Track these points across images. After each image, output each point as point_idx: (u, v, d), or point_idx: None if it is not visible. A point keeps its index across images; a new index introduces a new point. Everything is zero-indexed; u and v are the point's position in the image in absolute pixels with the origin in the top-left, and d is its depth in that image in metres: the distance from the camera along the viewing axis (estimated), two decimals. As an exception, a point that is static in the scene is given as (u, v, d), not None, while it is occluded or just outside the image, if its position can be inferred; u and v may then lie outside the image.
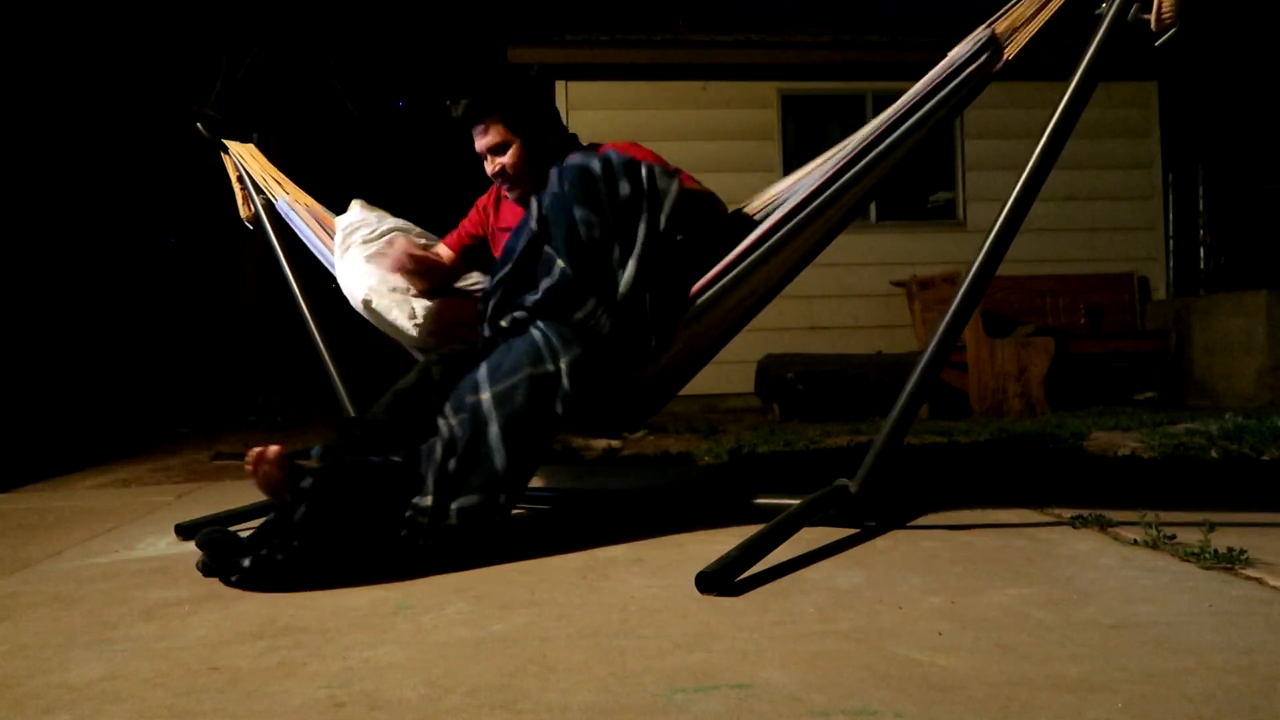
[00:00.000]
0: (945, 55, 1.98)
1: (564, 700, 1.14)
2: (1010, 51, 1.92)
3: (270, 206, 2.99)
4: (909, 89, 2.00)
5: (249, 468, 1.97)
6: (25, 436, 5.40)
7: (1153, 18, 1.76)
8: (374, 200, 2.85)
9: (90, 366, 7.93)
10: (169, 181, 9.16)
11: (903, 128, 1.98)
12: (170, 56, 8.11)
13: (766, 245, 2.06)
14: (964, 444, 3.93)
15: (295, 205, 2.92)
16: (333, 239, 2.68)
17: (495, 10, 8.87)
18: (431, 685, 1.21)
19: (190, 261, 9.99)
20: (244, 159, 3.07)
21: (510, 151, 2.32)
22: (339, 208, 3.16)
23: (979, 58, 1.92)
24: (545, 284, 2.03)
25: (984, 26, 1.94)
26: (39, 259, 7.45)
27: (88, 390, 7.61)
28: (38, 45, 7.50)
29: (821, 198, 2.03)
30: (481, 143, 2.34)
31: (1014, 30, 1.92)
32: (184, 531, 2.32)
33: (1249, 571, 1.64)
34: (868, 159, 2.00)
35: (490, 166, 2.36)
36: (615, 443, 4.48)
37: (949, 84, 1.95)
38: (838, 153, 2.12)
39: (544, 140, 2.36)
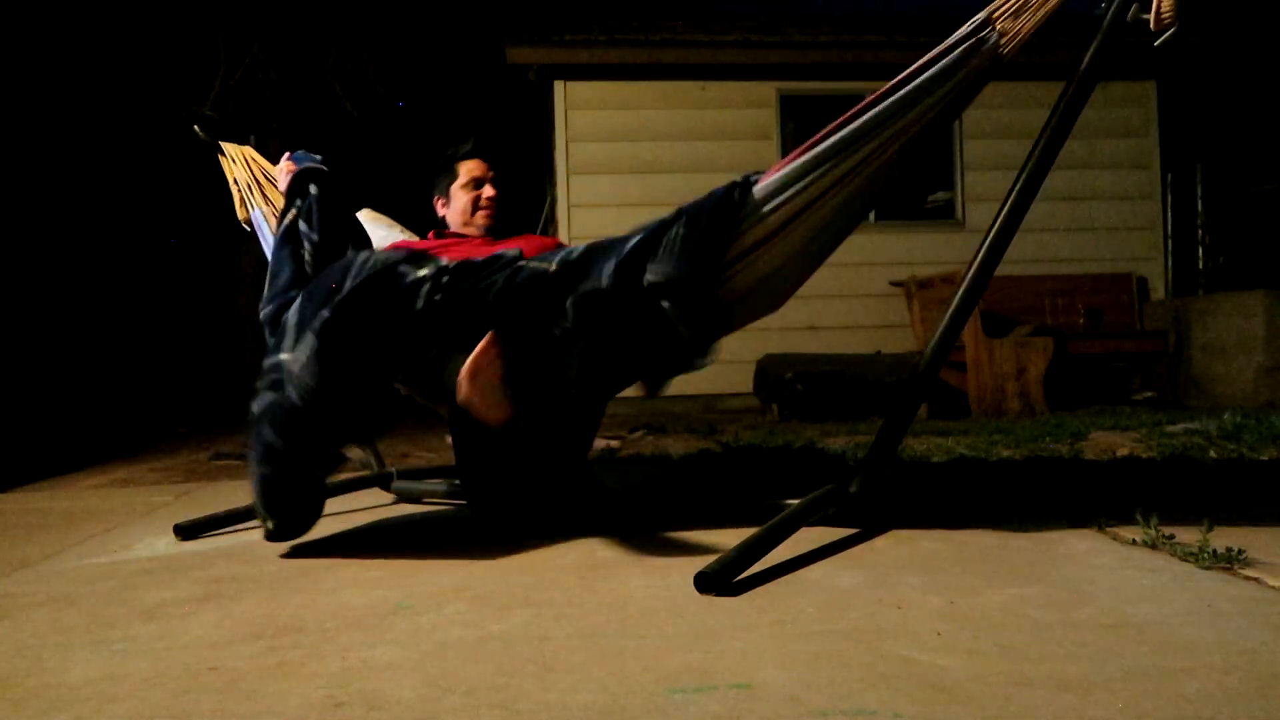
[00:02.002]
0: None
1: (563, 700, 1.14)
2: (1006, 39, 1.87)
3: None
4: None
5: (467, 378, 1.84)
6: (24, 436, 5.40)
7: (1152, 17, 1.75)
8: (374, 201, 2.86)
9: (89, 367, 7.93)
10: (169, 181, 9.16)
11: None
12: (169, 56, 8.11)
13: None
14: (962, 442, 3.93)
15: (270, 218, 2.93)
16: None
17: (493, 10, 8.87)
18: (430, 685, 1.21)
19: (189, 262, 9.99)
20: (239, 161, 3.07)
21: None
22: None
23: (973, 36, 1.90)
24: None
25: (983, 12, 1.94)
26: (39, 259, 7.45)
27: (86, 390, 7.61)
28: (38, 45, 7.49)
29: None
30: (488, 172, 2.67)
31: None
32: (183, 531, 2.32)
33: (1248, 571, 1.64)
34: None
35: (489, 191, 2.64)
36: (614, 443, 4.48)
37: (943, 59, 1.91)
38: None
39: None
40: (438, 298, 1.93)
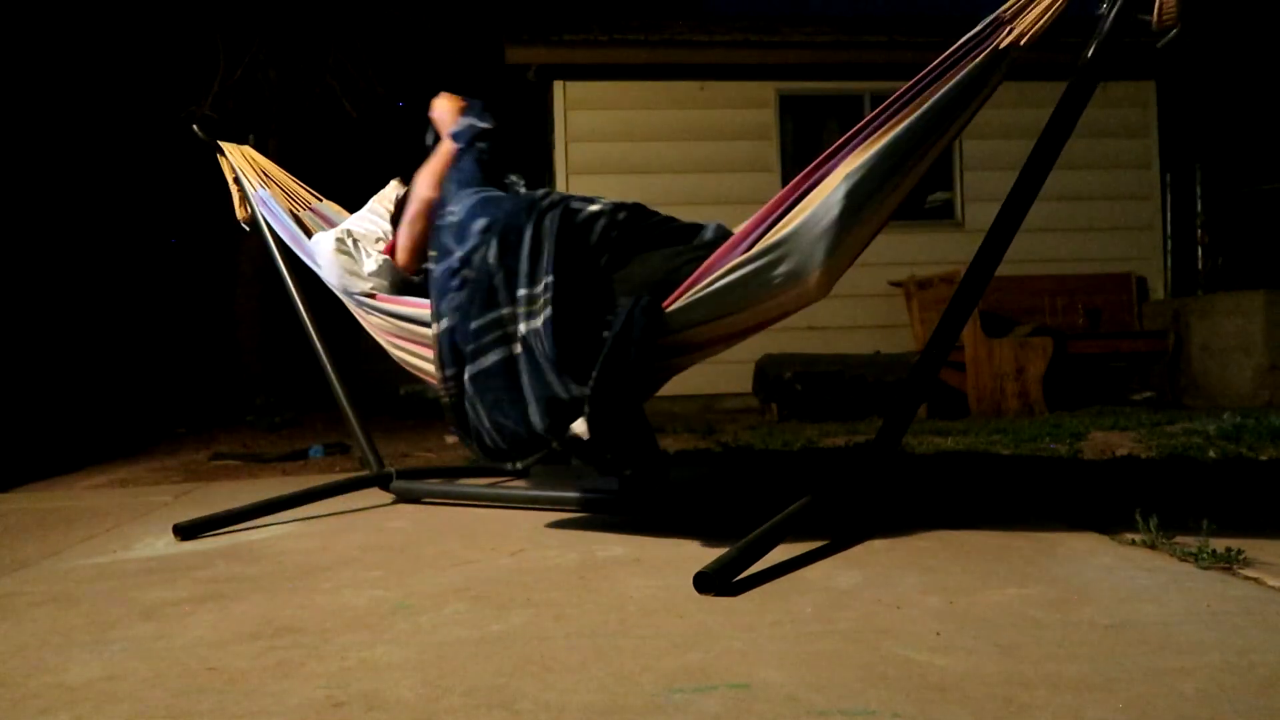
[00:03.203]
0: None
1: (562, 700, 1.14)
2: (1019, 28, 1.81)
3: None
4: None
5: None
6: (24, 436, 5.40)
7: (1154, 18, 1.75)
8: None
9: (89, 366, 7.93)
10: (169, 181, 9.16)
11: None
12: (169, 56, 8.11)
13: None
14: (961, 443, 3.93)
15: (277, 197, 2.95)
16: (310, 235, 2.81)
17: (493, 10, 8.87)
18: (429, 685, 1.21)
19: (189, 262, 10.00)
20: (239, 160, 3.09)
21: None
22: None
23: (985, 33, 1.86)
24: None
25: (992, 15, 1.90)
26: (39, 259, 7.45)
27: (86, 390, 7.61)
28: (38, 45, 7.49)
29: None
30: None
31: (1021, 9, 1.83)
32: (182, 531, 2.32)
33: (1247, 571, 1.64)
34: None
35: None
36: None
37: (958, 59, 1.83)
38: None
39: None
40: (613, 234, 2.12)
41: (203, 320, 9.50)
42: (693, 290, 1.89)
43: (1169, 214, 7.54)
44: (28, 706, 1.19)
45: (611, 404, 1.87)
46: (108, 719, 1.14)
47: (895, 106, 1.82)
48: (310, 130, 8.72)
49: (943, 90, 1.81)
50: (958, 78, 1.82)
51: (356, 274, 2.54)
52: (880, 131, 1.81)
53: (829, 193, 1.77)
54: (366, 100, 8.63)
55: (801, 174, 1.87)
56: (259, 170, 3.06)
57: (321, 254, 2.64)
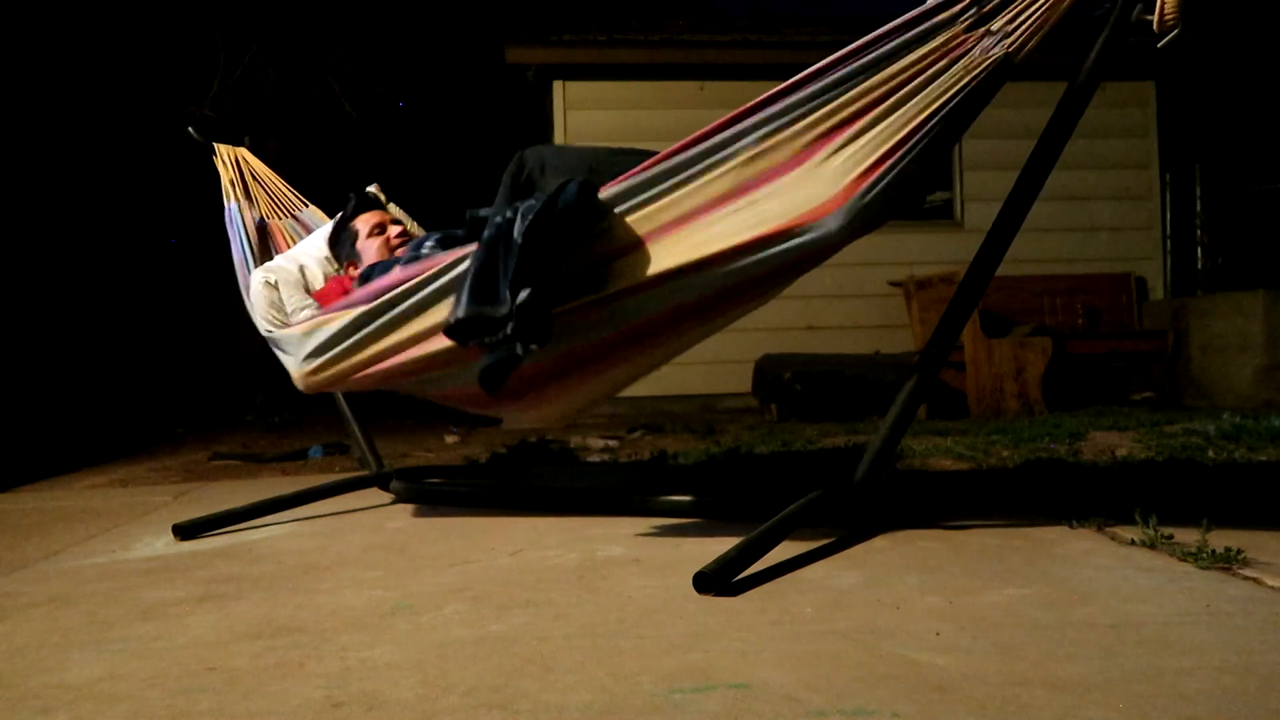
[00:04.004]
0: None
1: (561, 700, 1.14)
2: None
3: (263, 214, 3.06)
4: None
5: None
6: (23, 436, 5.40)
7: (1155, 19, 1.75)
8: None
9: (88, 367, 7.93)
10: (169, 181, 9.16)
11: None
12: (168, 56, 8.11)
13: None
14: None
15: (245, 214, 3.00)
16: (266, 257, 2.91)
17: (493, 10, 8.87)
18: (429, 685, 1.21)
19: (189, 262, 10.00)
20: (230, 162, 3.10)
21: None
22: (337, 209, 3.17)
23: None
24: None
25: None
26: (39, 259, 7.45)
27: (86, 390, 7.61)
28: (37, 45, 7.49)
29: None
30: (384, 216, 2.83)
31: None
32: (181, 531, 2.32)
33: (1246, 571, 1.64)
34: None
35: (395, 229, 2.79)
36: (612, 443, 4.48)
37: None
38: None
39: None
40: None
41: (203, 320, 9.51)
42: (633, 178, 2.03)
43: (1168, 214, 7.53)
44: (27, 706, 1.19)
45: (534, 260, 1.94)
46: (107, 719, 1.14)
47: (834, 62, 2.10)
48: (310, 130, 8.72)
49: (889, 44, 2.08)
50: (904, 37, 2.05)
51: (279, 320, 2.58)
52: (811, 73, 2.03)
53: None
54: (366, 100, 8.63)
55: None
56: (247, 173, 3.08)
57: (253, 289, 2.71)
